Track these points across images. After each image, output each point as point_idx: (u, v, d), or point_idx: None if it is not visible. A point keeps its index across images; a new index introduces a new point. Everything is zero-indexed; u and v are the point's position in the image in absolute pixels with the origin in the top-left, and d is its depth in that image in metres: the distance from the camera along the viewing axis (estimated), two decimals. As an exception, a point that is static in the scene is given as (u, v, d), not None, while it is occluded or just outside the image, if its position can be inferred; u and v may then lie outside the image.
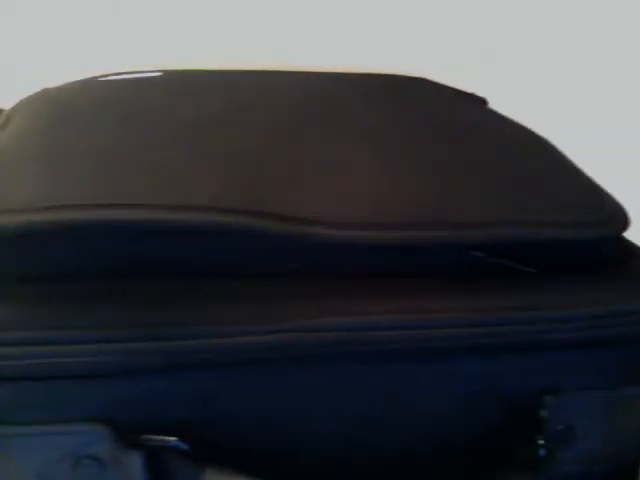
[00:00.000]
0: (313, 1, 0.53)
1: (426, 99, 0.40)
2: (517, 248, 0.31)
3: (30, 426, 0.27)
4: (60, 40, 0.52)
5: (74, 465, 0.27)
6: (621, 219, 0.32)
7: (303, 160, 0.32)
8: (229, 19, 0.53)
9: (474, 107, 0.41)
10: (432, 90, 0.42)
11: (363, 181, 0.31)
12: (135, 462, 0.27)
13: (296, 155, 0.32)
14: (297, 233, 0.28)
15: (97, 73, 0.40)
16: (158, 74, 0.40)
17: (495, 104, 0.44)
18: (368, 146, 0.33)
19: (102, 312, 0.28)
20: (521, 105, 0.40)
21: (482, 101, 0.44)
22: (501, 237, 0.30)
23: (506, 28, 0.55)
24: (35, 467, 0.27)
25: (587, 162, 0.36)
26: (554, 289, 0.30)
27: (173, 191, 0.29)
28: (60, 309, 0.28)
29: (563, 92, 0.55)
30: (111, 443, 0.27)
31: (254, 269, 0.30)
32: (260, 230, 0.28)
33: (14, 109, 0.37)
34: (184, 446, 0.27)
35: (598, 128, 0.53)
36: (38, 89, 0.40)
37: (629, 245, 0.33)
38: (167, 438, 0.27)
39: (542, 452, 0.29)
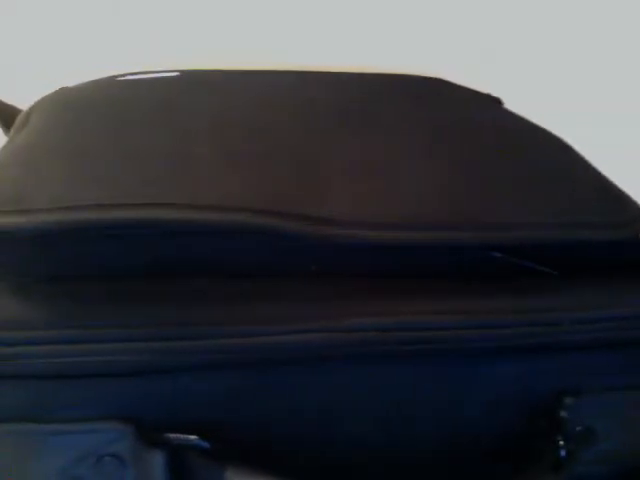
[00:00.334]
0: (306, 3, 0.53)
1: (444, 99, 0.40)
2: (539, 249, 0.31)
3: (52, 424, 0.27)
4: (59, 40, 0.52)
5: (96, 463, 0.27)
6: None
7: (327, 160, 0.32)
8: (234, 19, 0.53)
9: (491, 107, 0.41)
10: (449, 90, 0.42)
11: (388, 181, 0.31)
12: (156, 460, 0.27)
13: (320, 155, 0.32)
14: (322, 234, 0.28)
15: (95, 73, 0.40)
16: (176, 74, 0.40)
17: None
18: (391, 146, 0.33)
19: (121, 311, 0.28)
20: (521, 105, 0.40)
21: (498, 101, 0.44)
22: (528, 239, 0.30)
23: (506, 28, 0.55)
24: (58, 465, 0.27)
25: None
26: (578, 290, 0.30)
27: (199, 191, 0.29)
28: (80, 308, 0.28)
29: (563, 92, 0.55)
30: (133, 441, 0.27)
31: (277, 269, 0.30)
32: (283, 230, 0.28)
33: (32, 108, 0.37)
34: (205, 444, 0.28)
35: (598, 128, 0.53)
36: (56, 88, 0.40)
37: None
38: (188, 437, 0.28)
39: (563, 453, 0.29)
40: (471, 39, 0.55)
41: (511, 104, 0.42)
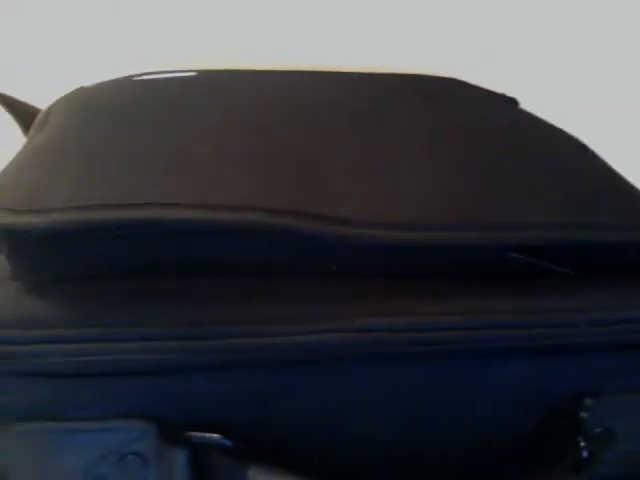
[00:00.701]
0: (307, 5, 0.53)
1: (459, 99, 0.40)
2: (554, 250, 0.31)
3: (75, 423, 0.27)
4: (60, 40, 0.52)
5: (119, 461, 0.27)
6: None
7: (343, 160, 0.32)
8: (246, 19, 0.53)
9: (507, 108, 0.41)
10: (464, 90, 0.42)
11: (404, 181, 0.31)
12: (179, 459, 0.27)
13: (336, 155, 0.32)
14: (339, 234, 0.28)
15: (95, 74, 0.40)
16: (192, 74, 0.40)
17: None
18: (408, 147, 0.33)
19: (138, 310, 0.28)
20: (521, 105, 0.40)
21: (513, 101, 0.44)
22: (543, 239, 0.30)
23: (506, 28, 0.55)
24: (80, 464, 0.27)
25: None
26: (596, 291, 0.30)
27: (215, 191, 0.29)
28: (100, 307, 0.28)
29: (563, 92, 0.54)
30: (155, 440, 0.27)
31: (295, 269, 0.30)
32: (299, 230, 0.28)
33: (51, 108, 0.37)
34: (228, 443, 0.28)
35: (599, 128, 0.53)
36: (74, 88, 0.40)
37: None
38: (211, 435, 0.28)
39: (585, 454, 0.29)
40: (471, 39, 0.55)
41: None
